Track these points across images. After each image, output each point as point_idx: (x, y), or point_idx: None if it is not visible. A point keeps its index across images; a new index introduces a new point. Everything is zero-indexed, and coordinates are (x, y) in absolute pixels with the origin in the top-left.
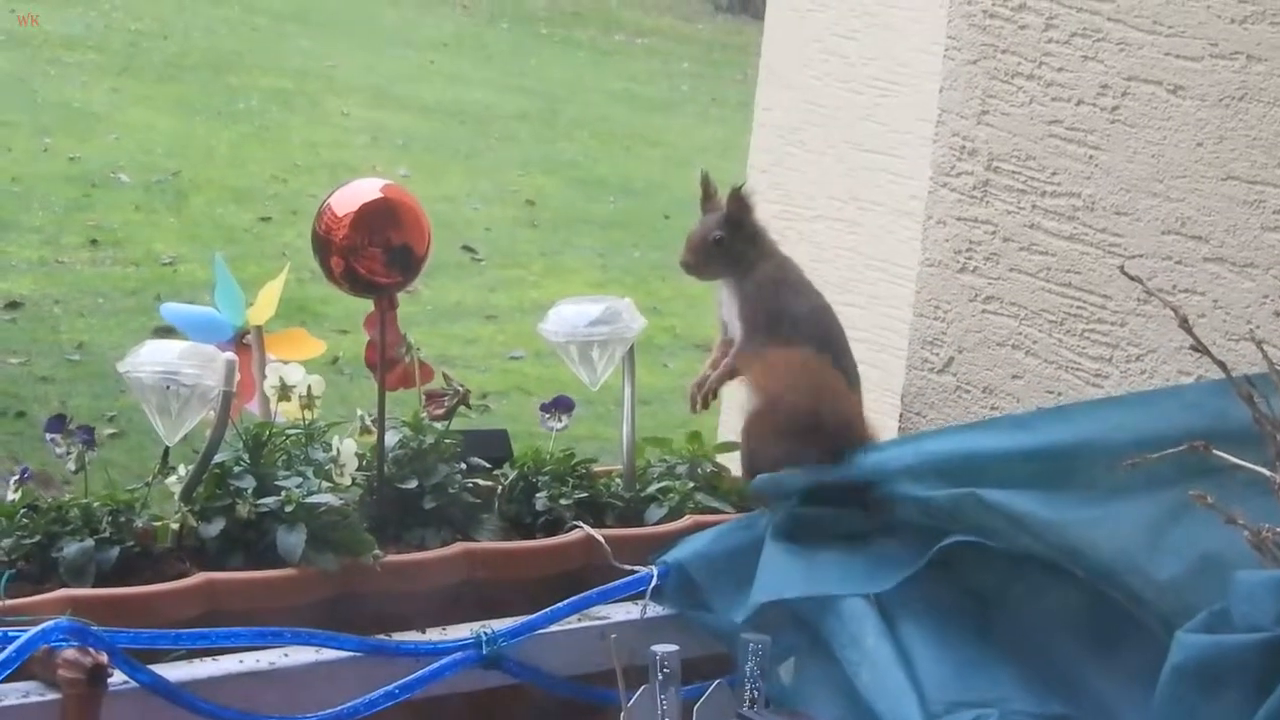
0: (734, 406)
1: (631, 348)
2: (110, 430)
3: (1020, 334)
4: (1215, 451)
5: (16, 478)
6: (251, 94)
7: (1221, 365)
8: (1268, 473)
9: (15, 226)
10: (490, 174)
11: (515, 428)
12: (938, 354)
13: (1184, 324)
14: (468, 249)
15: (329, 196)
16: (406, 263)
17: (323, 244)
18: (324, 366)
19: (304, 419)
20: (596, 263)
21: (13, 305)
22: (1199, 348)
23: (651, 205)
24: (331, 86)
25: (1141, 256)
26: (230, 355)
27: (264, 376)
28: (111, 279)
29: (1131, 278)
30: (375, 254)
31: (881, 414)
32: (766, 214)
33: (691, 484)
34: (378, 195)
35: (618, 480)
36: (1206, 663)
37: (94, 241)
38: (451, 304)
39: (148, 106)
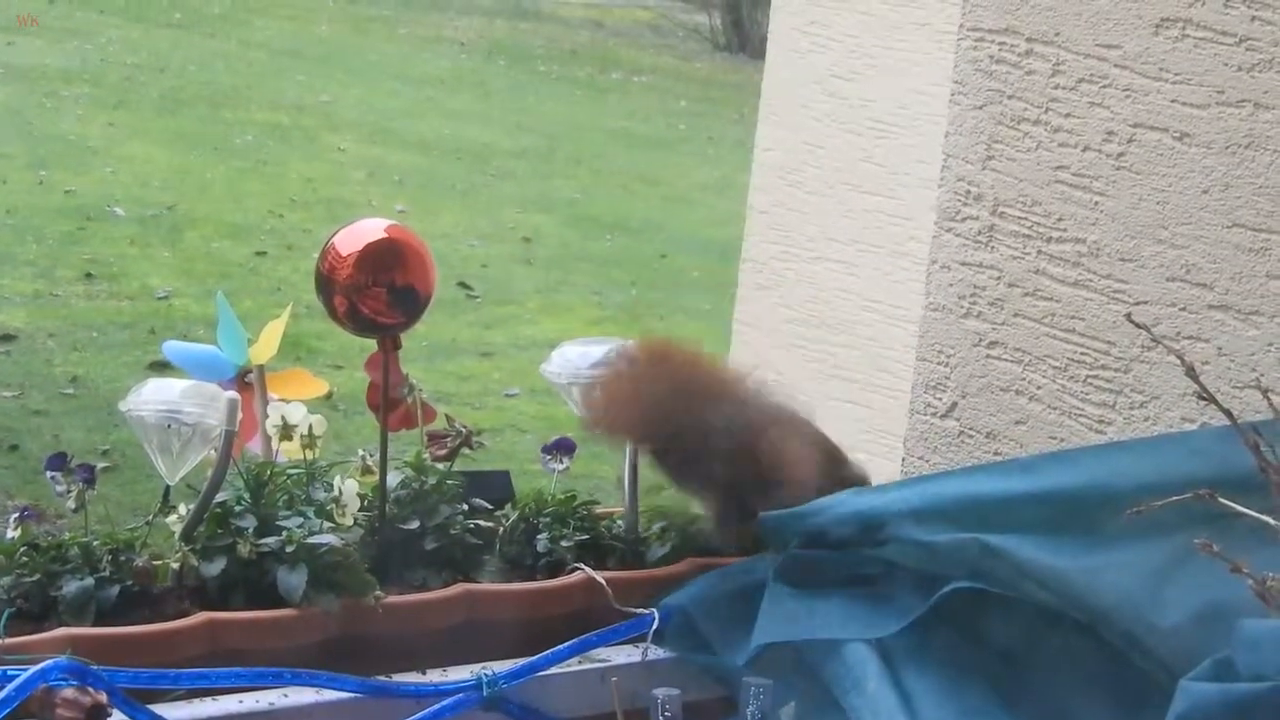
0: None
1: None
2: (103, 464)
3: (1024, 379)
4: (1220, 499)
5: (17, 516)
6: (248, 129)
7: (1228, 413)
8: (1273, 521)
9: (9, 259)
10: (487, 211)
11: (509, 465)
12: (941, 399)
13: (1190, 372)
14: (464, 286)
15: (333, 235)
16: (410, 303)
17: (326, 283)
18: (319, 403)
19: (305, 458)
20: (592, 300)
21: (6, 338)
22: (1205, 395)
23: (648, 243)
24: (328, 122)
25: (1146, 303)
26: (233, 394)
27: (266, 416)
28: (106, 313)
29: (1138, 325)
30: (379, 294)
31: (877, 456)
32: (766, 254)
33: (695, 526)
34: (382, 235)
35: (619, 522)
36: (1210, 711)
37: (89, 275)
38: (447, 340)
39: (144, 140)
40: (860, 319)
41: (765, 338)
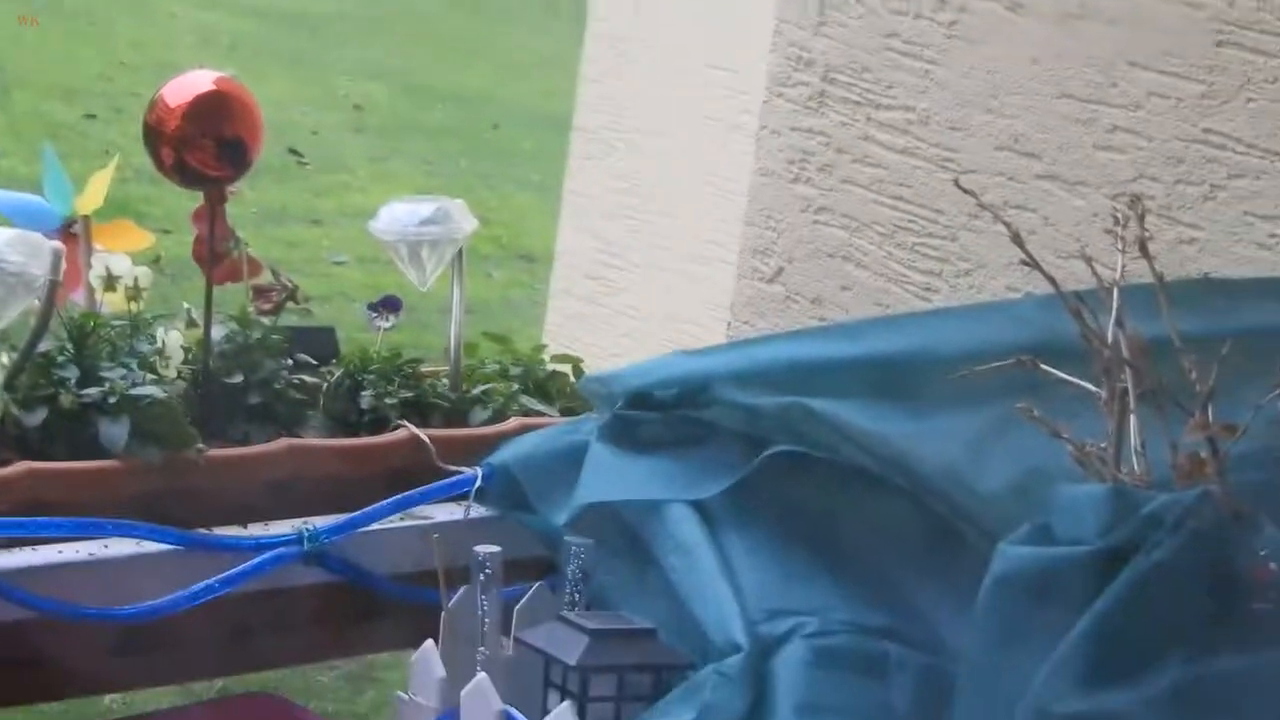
0: (561, 318)
1: (461, 249)
2: None
3: (851, 245)
4: (1042, 366)
5: None
6: None
7: (1052, 280)
8: (1093, 388)
9: None
10: (318, 78)
11: (338, 333)
12: (768, 263)
13: (1016, 239)
14: (294, 153)
15: (162, 88)
16: (238, 156)
17: (154, 135)
18: (147, 266)
19: (130, 310)
20: (423, 169)
21: None
22: (1030, 262)
23: (481, 115)
24: None
25: (974, 172)
26: (57, 244)
27: (90, 266)
28: None
29: (965, 191)
30: (207, 146)
31: (707, 327)
32: (597, 124)
33: (517, 386)
34: (210, 87)
35: (444, 381)
36: (1027, 575)
37: None
38: (276, 207)
39: None
40: (692, 190)
41: (595, 207)
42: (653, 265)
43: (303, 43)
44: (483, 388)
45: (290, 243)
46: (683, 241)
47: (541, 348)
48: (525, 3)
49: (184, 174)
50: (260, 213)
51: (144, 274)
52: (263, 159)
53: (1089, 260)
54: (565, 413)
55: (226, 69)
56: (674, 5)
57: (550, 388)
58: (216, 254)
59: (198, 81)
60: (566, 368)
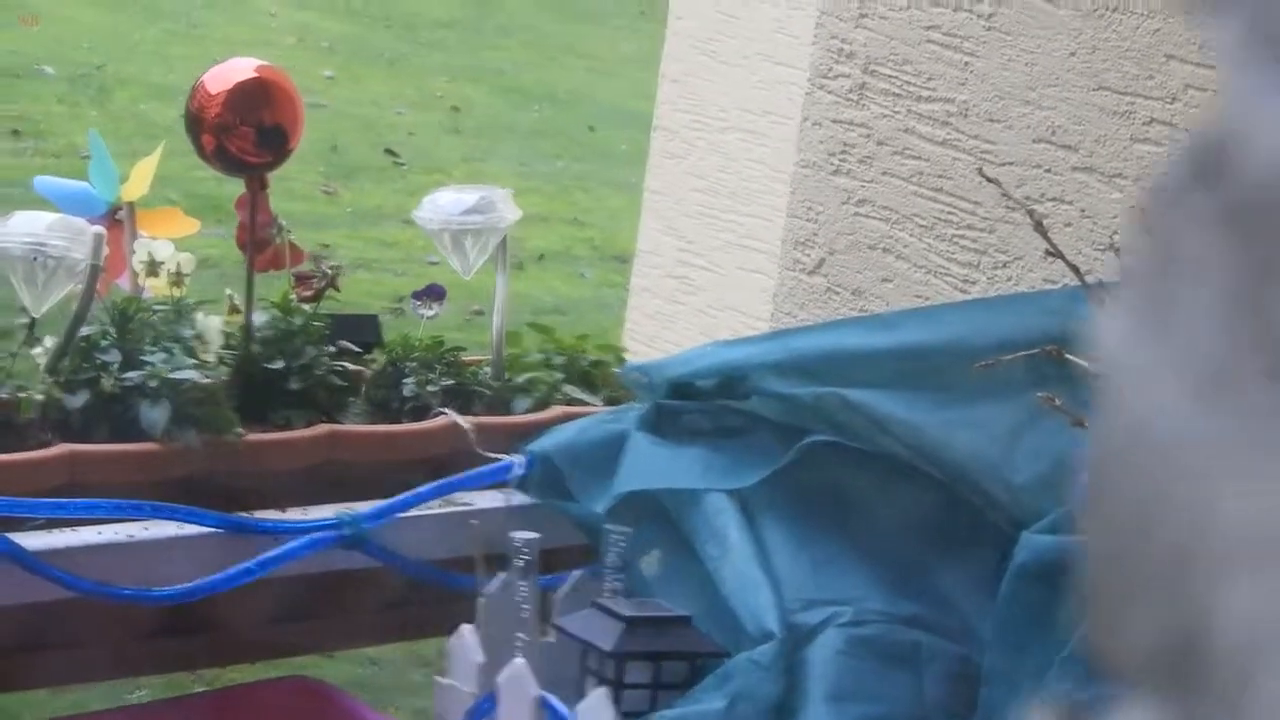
0: (641, 317)
1: (504, 238)
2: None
3: (891, 237)
4: (1067, 355)
5: None
6: None
7: (1075, 269)
8: None
9: None
10: (415, 79)
11: (432, 332)
12: (809, 255)
13: (1039, 227)
14: (390, 153)
15: (204, 74)
16: (278, 143)
17: (195, 121)
18: (235, 265)
19: (172, 296)
20: (518, 171)
21: None
22: (1054, 252)
23: (576, 116)
24: None
25: (1012, 164)
26: (98, 228)
27: (134, 252)
28: (31, 170)
29: (990, 180)
30: (247, 133)
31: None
32: (678, 123)
33: (560, 376)
34: (252, 75)
35: (487, 369)
36: (1048, 563)
37: (16, 132)
38: (372, 207)
39: (74, 0)
40: (769, 189)
41: (675, 206)
42: (734, 265)
43: (398, 44)
44: (525, 377)
45: (385, 242)
46: (762, 240)
47: (585, 337)
48: (618, 4)
49: (224, 161)
50: (355, 213)
51: (186, 260)
52: (360, 159)
53: (1117, 251)
54: (609, 403)
55: (325, 69)
56: (752, 3)
57: (594, 377)
58: (259, 241)
59: (239, 69)
60: (610, 357)
